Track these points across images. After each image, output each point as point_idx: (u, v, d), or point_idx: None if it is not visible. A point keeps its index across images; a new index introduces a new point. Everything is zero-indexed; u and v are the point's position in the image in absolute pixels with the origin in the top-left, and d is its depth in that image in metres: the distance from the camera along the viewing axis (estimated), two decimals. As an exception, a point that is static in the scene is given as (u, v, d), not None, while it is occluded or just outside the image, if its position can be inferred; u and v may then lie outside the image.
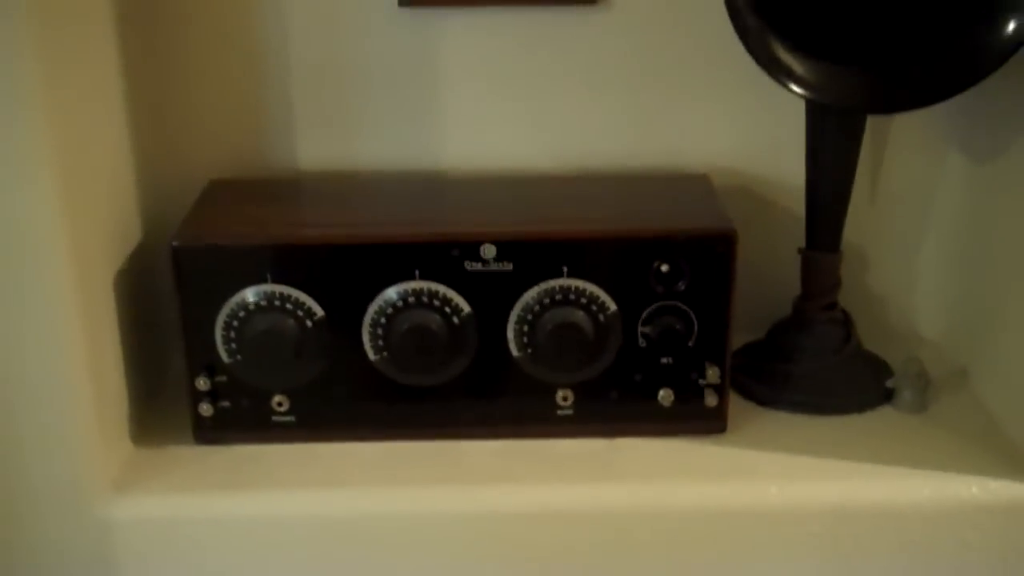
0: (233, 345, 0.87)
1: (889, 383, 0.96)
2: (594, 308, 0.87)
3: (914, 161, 1.02)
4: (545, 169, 1.01)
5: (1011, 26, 0.82)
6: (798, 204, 0.96)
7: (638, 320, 0.88)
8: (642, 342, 0.88)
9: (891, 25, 0.85)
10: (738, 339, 0.99)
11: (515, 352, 0.88)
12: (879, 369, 0.98)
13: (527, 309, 0.87)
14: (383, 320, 0.87)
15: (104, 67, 0.88)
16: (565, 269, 0.86)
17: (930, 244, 1.05)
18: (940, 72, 0.84)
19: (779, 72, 0.85)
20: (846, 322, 0.98)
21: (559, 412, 0.90)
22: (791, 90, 0.85)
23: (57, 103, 0.77)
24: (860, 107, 0.88)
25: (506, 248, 0.86)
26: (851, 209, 0.95)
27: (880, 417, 0.95)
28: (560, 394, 0.90)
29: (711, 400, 0.90)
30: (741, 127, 1.01)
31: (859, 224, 1.01)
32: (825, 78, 0.85)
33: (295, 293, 0.86)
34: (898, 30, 0.85)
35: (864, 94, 0.86)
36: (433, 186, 1.00)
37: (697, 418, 0.91)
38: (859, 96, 0.86)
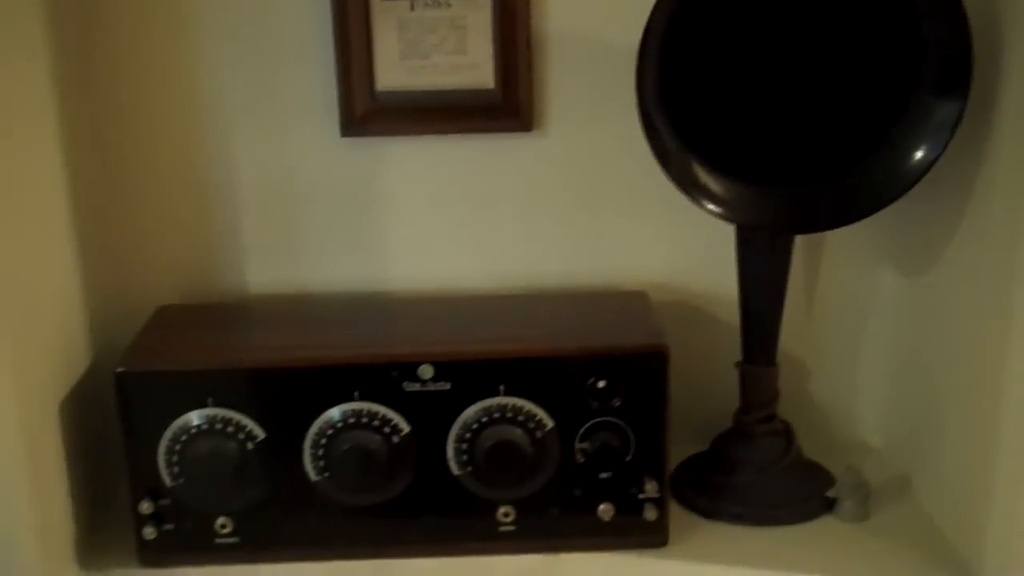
0: (176, 468, 0.88)
1: (830, 493, 0.97)
2: (531, 425, 0.88)
3: (848, 273, 1.05)
4: (486, 289, 1.03)
5: (919, 153, 0.86)
6: (736, 318, 0.97)
7: (575, 436, 0.89)
8: (580, 458, 0.90)
9: (809, 147, 0.88)
10: (683, 451, 1.01)
11: (455, 470, 0.90)
12: (820, 479, 0.99)
13: (465, 427, 0.89)
14: (324, 441, 0.88)
15: (52, 196, 0.90)
16: (502, 388, 0.88)
17: (868, 354, 1.07)
18: (855, 194, 0.88)
19: (699, 194, 0.88)
20: (786, 433, 0.99)
21: (500, 528, 0.91)
22: (709, 212, 0.88)
23: (2, 234, 0.79)
24: (778, 227, 0.91)
25: (444, 368, 0.88)
26: (788, 320, 0.97)
27: (822, 527, 0.95)
28: (501, 510, 0.91)
29: (651, 514, 0.91)
30: (677, 244, 1.03)
31: (797, 335, 1.04)
32: (745, 199, 0.88)
33: (236, 416, 0.87)
34: (816, 152, 0.88)
35: (783, 215, 0.88)
36: (375, 308, 1.02)
37: (638, 532, 0.91)
38: (778, 216, 0.88)
